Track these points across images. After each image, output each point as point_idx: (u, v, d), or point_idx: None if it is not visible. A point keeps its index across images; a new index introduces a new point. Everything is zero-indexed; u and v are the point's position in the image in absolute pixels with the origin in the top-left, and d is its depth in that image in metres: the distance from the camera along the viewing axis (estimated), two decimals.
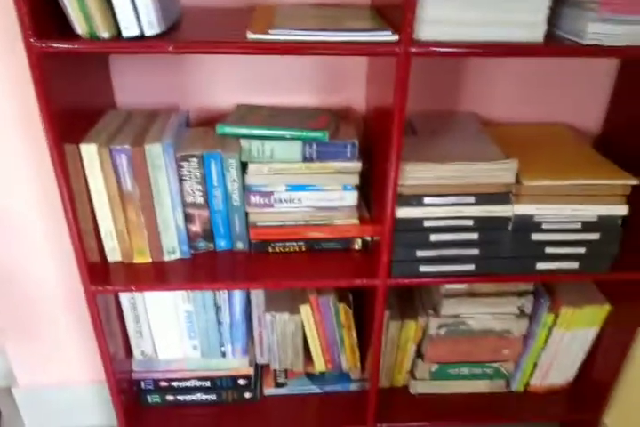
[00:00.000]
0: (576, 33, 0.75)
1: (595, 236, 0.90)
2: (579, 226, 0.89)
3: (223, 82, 1.02)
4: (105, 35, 0.71)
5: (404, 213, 0.87)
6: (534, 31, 0.74)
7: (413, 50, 0.72)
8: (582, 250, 0.91)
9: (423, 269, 0.91)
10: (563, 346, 1.09)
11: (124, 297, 1.01)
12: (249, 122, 0.94)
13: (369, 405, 1.07)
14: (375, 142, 0.91)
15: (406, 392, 1.16)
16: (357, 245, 0.98)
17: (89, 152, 0.84)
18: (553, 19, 0.76)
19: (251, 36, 0.72)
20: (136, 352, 1.08)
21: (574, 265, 0.92)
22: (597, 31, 0.73)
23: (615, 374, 1.07)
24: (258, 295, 1.09)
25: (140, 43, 0.71)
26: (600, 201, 0.87)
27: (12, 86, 0.97)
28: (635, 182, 0.86)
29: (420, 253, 0.90)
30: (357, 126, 0.99)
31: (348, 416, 1.12)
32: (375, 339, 0.99)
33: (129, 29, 0.71)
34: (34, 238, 1.11)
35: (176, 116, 0.96)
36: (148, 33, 0.72)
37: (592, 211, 0.88)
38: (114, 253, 0.93)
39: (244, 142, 0.91)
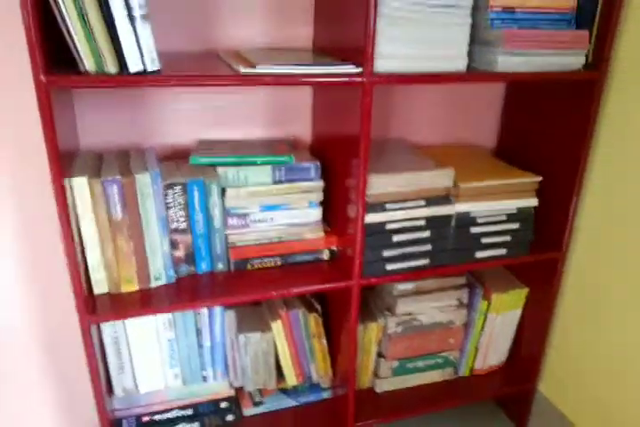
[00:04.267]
0: (489, 64, 0.97)
1: (516, 225, 1.11)
2: (504, 218, 1.10)
3: (178, 120, 1.11)
4: (112, 70, 0.79)
5: (370, 218, 1.01)
6: (459, 63, 0.95)
7: (375, 79, 0.89)
8: (508, 238, 1.12)
9: (389, 267, 1.06)
10: (496, 329, 1.28)
11: (107, 331, 1.02)
12: (218, 153, 1.04)
13: (348, 405, 1.15)
14: (336, 163, 1.05)
15: (372, 392, 1.27)
16: (326, 255, 1.10)
17: (80, 185, 0.89)
18: (469, 55, 0.98)
19: (243, 70, 0.84)
20: (117, 389, 1.07)
21: (503, 251, 1.12)
22: (505, 61, 0.96)
23: (541, 347, 1.28)
24: (230, 319, 1.14)
25: (149, 77, 0.80)
26: (517, 196, 1.10)
27: None
28: (539, 179, 1.10)
29: (385, 253, 1.04)
30: (306, 153, 1.14)
31: (328, 422, 1.19)
32: (351, 338, 1.09)
33: (135, 65, 0.80)
34: None
35: (148, 152, 1.03)
36: (149, 69, 0.81)
37: (512, 204, 1.10)
38: (101, 284, 0.96)
39: (220, 170, 1.01)
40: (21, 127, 1.01)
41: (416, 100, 1.23)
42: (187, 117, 1.11)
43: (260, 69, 0.85)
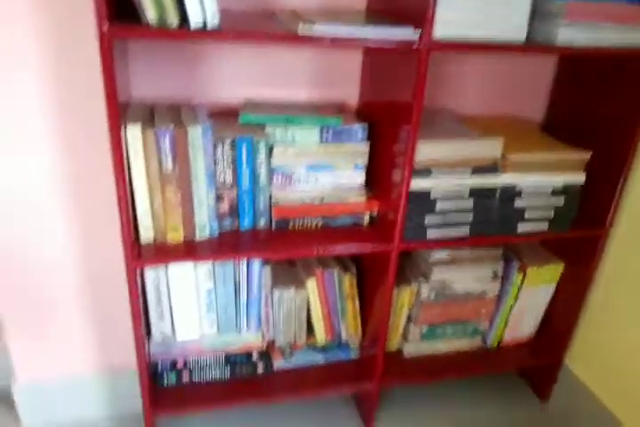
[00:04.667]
0: (548, 36, 0.94)
1: (560, 200, 1.10)
2: (549, 192, 1.09)
3: (228, 78, 1.10)
4: (174, 22, 0.79)
5: (416, 184, 1.01)
6: (518, 33, 0.93)
7: (433, 45, 0.87)
8: (551, 213, 1.11)
9: (429, 234, 1.06)
10: (528, 302, 1.29)
11: (150, 277, 1.06)
12: (267, 112, 1.05)
13: (376, 366, 1.19)
14: (383, 128, 1.05)
15: (399, 354, 1.30)
16: (366, 219, 1.11)
17: (134, 133, 0.90)
18: (529, 26, 0.95)
19: (301, 29, 0.83)
20: (155, 333, 1.12)
21: (544, 226, 1.12)
22: (565, 34, 0.93)
23: (572, 322, 1.28)
24: (266, 275, 1.17)
25: (209, 31, 0.80)
26: (565, 171, 1.08)
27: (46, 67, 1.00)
28: (589, 155, 1.08)
29: (427, 220, 1.05)
30: (352, 116, 1.13)
31: (354, 380, 1.23)
32: (386, 301, 1.11)
33: (196, 19, 0.80)
34: (46, 219, 1.11)
35: (199, 108, 1.04)
36: (210, 23, 0.81)
37: (559, 179, 1.08)
38: (148, 232, 0.99)
39: (269, 128, 1.02)
40: (75, 75, 1.02)
41: (464, 69, 1.20)
42: (237, 76, 1.10)
43: (317, 30, 0.84)
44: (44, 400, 1.25)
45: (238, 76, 1.11)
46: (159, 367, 1.15)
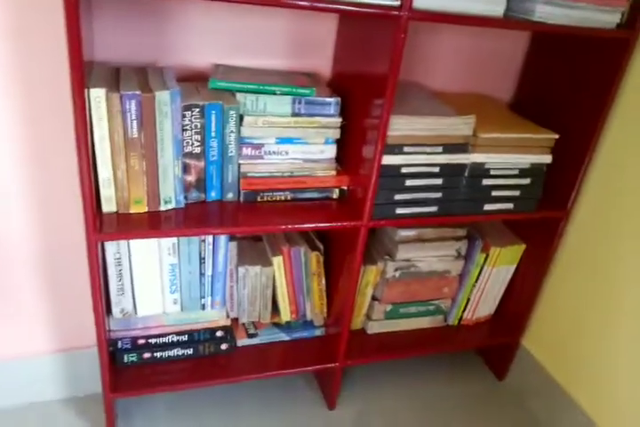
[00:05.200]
0: (526, 12, 0.95)
1: (526, 181, 1.11)
2: (516, 172, 1.10)
3: (196, 42, 1.06)
4: None
5: (387, 160, 1.00)
6: (497, 7, 0.92)
7: (413, 14, 0.86)
8: (517, 193, 1.12)
9: (398, 211, 1.06)
10: (490, 282, 1.31)
11: (110, 251, 1.01)
12: (237, 78, 1.01)
13: (340, 344, 1.18)
14: (356, 101, 1.03)
15: (362, 333, 1.30)
16: (335, 194, 1.09)
17: (97, 97, 0.85)
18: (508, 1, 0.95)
19: None
20: (115, 311, 1.07)
21: (510, 206, 1.13)
22: (543, 11, 0.93)
23: (530, 304, 1.31)
24: (231, 250, 1.14)
25: None
26: (533, 152, 1.09)
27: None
28: (556, 136, 1.09)
29: (397, 197, 1.04)
30: (325, 88, 1.11)
31: (318, 358, 1.22)
32: (352, 279, 1.10)
33: None
34: None
35: (166, 71, 0.99)
36: None
37: (527, 159, 1.09)
38: (110, 202, 0.94)
39: (239, 96, 0.98)
40: (36, 34, 0.96)
41: (436, 44, 1.20)
42: (207, 40, 1.06)
43: None
44: None
45: (209, 40, 1.06)
46: (119, 346, 1.11)
